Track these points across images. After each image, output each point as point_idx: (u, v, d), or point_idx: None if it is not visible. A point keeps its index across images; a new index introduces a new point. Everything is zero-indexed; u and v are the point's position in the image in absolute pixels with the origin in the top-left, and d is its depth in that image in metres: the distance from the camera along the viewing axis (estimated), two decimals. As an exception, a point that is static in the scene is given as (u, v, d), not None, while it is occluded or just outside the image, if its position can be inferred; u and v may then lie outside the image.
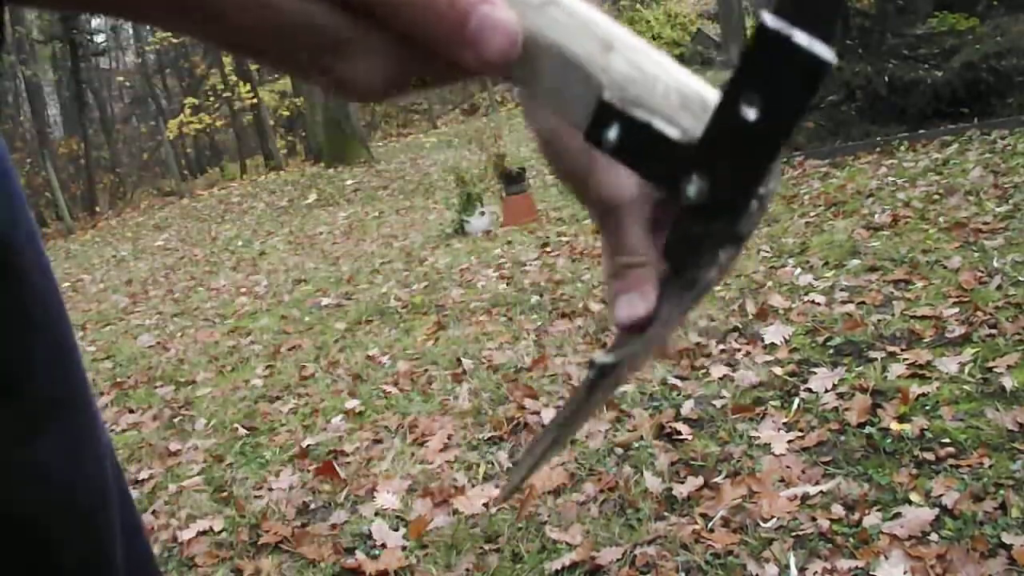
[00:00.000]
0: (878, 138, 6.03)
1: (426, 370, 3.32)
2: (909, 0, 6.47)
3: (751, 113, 0.27)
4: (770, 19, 0.26)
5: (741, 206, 0.29)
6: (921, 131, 5.97)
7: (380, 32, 0.28)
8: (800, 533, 1.81)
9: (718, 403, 2.48)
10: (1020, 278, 2.88)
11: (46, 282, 0.57)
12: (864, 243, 3.75)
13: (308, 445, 2.80)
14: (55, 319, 0.57)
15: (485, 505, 2.18)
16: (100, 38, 23.78)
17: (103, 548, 0.60)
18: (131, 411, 3.64)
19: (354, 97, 0.30)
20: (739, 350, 2.85)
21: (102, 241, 12.19)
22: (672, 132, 0.28)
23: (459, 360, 3.32)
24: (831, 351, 2.68)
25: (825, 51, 0.26)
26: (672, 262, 0.32)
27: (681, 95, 0.29)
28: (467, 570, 1.92)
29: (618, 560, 1.84)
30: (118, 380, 4.17)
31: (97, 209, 17.44)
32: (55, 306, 0.58)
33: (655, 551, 1.85)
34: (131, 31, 25.37)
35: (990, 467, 1.89)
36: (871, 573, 1.64)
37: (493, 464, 2.41)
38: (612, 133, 0.29)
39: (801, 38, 0.25)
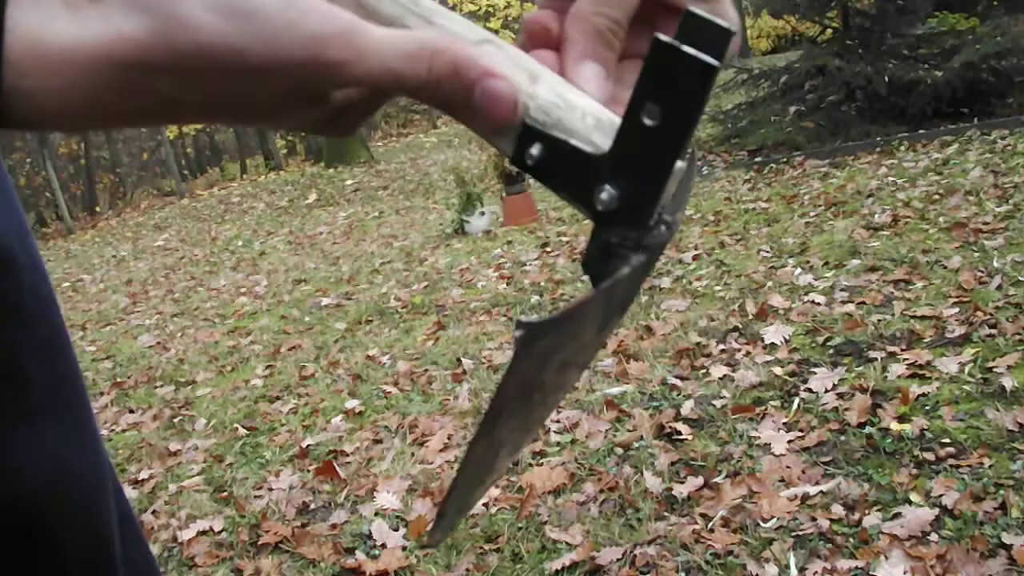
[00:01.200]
0: (878, 138, 6.03)
1: (426, 370, 3.32)
2: (909, 0, 6.47)
3: (651, 120, 0.31)
4: (663, 36, 0.30)
5: (648, 212, 0.32)
6: (921, 131, 5.97)
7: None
8: (800, 533, 1.81)
9: (718, 403, 2.48)
10: (1020, 278, 2.88)
11: (37, 276, 0.57)
12: (864, 243, 3.75)
13: (308, 445, 2.80)
14: (47, 313, 0.58)
15: (485, 505, 2.18)
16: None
17: (103, 533, 0.60)
18: (131, 411, 3.64)
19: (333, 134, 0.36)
20: (739, 350, 2.85)
21: (102, 241, 12.20)
22: (587, 148, 0.32)
23: (459, 360, 3.32)
24: (831, 351, 2.68)
25: (710, 58, 0.30)
26: (590, 273, 0.35)
27: (596, 118, 0.33)
28: (467, 570, 1.92)
29: (618, 560, 1.85)
30: (118, 380, 4.17)
31: (97, 209, 17.45)
32: (47, 300, 0.58)
33: (655, 551, 1.85)
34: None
35: (990, 467, 1.89)
36: (871, 573, 1.64)
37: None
38: (535, 150, 0.33)
39: (689, 48, 0.30)
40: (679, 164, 0.32)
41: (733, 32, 0.32)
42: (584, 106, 0.33)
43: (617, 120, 0.32)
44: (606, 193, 0.32)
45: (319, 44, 0.29)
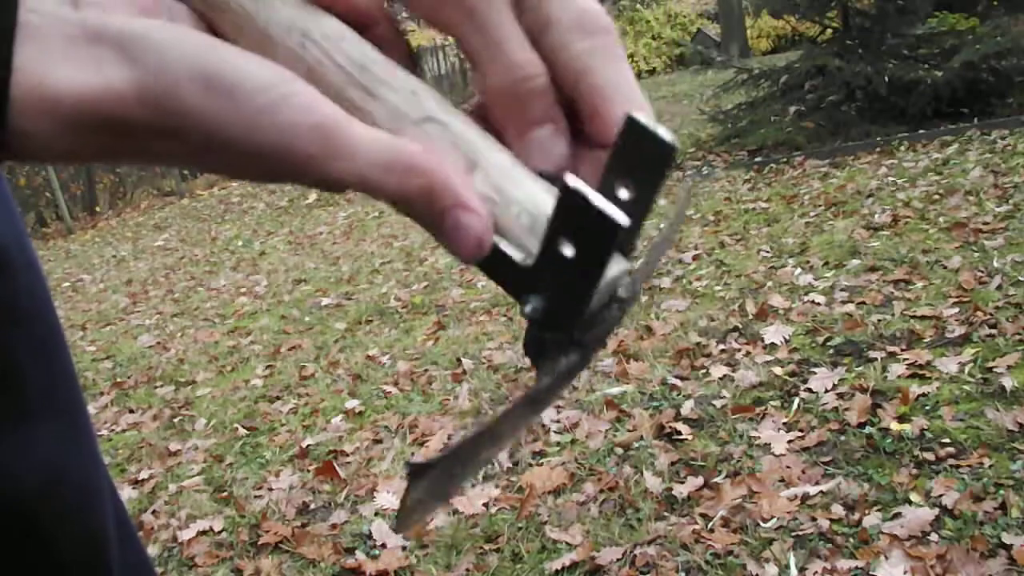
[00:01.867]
0: (878, 138, 6.03)
1: (426, 370, 3.32)
2: (909, 0, 6.46)
3: (568, 251, 0.29)
4: (571, 179, 0.28)
5: (574, 324, 0.31)
6: (921, 131, 5.97)
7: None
8: (800, 533, 1.81)
9: (718, 403, 2.48)
10: (1020, 278, 2.88)
11: (33, 276, 0.58)
12: (864, 243, 3.75)
13: (308, 445, 2.80)
14: (43, 313, 0.58)
15: (485, 505, 2.18)
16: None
17: (98, 534, 0.60)
18: (131, 411, 3.64)
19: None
20: (739, 350, 2.85)
21: (102, 241, 12.19)
22: (516, 255, 0.31)
23: (459, 360, 3.32)
24: (831, 351, 2.68)
25: (617, 214, 0.28)
26: (529, 356, 0.34)
27: (532, 217, 0.31)
28: (467, 570, 1.93)
29: (618, 560, 1.85)
30: (118, 380, 4.17)
31: (97, 209, 17.44)
32: (43, 301, 0.59)
33: (655, 551, 1.85)
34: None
35: (990, 467, 1.89)
36: (871, 573, 1.64)
37: (493, 464, 2.41)
38: None
39: (597, 201, 0.28)
40: (616, 269, 0.31)
41: (676, 148, 0.31)
42: (522, 200, 0.31)
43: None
44: (529, 306, 0.31)
45: (293, 135, 0.28)
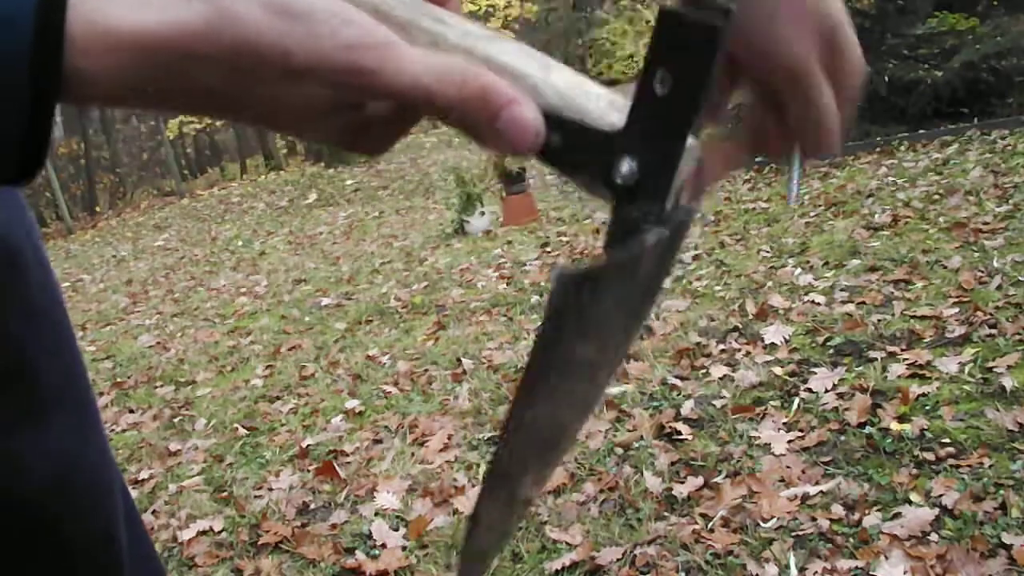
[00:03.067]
0: (878, 138, 6.03)
1: (426, 370, 3.32)
2: (909, 0, 6.46)
3: (662, 89, 0.31)
4: (667, 5, 0.31)
5: (667, 182, 0.33)
6: (921, 131, 5.97)
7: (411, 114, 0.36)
8: (800, 533, 1.81)
9: (718, 403, 2.48)
10: (1020, 278, 2.88)
11: (45, 274, 0.58)
12: (864, 243, 3.75)
13: (308, 445, 2.80)
14: (54, 310, 0.59)
15: (485, 505, 2.17)
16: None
17: (109, 530, 0.61)
18: (131, 411, 3.64)
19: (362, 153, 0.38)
20: (739, 350, 2.85)
21: (102, 241, 12.20)
22: (603, 126, 0.33)
23: (459, 360, 3.32)
24: (831, 351, 2.68)
25: (714, 17, 0.30)
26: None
27: (609, 100, 0.34)
28: (467, 570, 1.92)
29: (618, 560, 1.84)
30: (118, 380, 4.17)
31: (97, 209, 17.44)
32: (53, 299, 0.59)
33: (655, 551, 1.85)
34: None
35: (990, 467, 1.89)
36: (871, 573, 1.64)
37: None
38: (555, 139, 0.33)
39: (693, 13, 0.31)
40: (692, 142, 0.33)
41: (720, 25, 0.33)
42: (598, 91, 0.34)
43: (628, 101, 0.33)
44: (625, 165, 0.33)
45: (357, 52, 0.30)
